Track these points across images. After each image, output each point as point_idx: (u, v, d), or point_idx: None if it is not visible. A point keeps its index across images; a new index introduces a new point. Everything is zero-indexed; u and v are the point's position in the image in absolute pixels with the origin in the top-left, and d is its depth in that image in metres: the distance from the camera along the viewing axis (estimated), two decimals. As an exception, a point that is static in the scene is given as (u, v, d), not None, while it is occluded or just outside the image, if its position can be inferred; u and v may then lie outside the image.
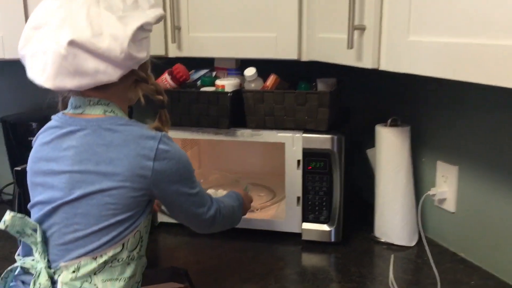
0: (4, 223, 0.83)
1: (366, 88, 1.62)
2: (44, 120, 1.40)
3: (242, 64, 1.45)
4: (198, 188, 0.95)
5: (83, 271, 0.82)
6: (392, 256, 1.26)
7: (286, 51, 1.31)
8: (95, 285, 0.82)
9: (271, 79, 1.38)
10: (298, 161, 1.33)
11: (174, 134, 1.41)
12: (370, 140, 1.38)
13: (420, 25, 0.87)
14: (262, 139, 1.36)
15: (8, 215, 0.83)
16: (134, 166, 0.82)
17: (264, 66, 1.40)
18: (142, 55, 0.84)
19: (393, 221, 1.34)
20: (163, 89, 0.93)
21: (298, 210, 1.36)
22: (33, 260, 0.86)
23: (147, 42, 0.86)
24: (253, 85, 1.37)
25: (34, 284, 0.82)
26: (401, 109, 1.44)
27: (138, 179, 0.83)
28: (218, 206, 1.01)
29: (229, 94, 1.33)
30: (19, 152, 1.44)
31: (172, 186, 0.88)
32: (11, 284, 0.88)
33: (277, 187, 1.57)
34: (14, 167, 1.45)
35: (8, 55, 1.31)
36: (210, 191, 1.55)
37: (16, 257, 0.92)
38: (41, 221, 0.86)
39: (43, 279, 0.82)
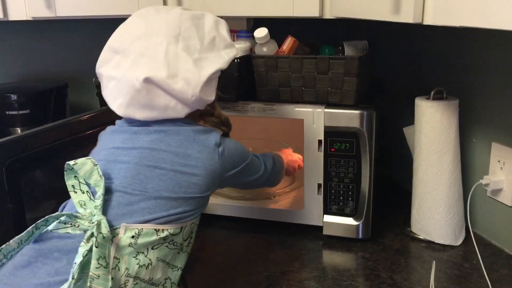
0: (76, 161, 0.78)
1: (404, 52, 1.37)
2: (25, 92, 1.25)
3: (255, 25, 1.24)
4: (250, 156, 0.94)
5: (142, 240, 0.74)
6: (434, 262, 1.04)
7: (306, 7, 1.09)
8: (149, 259, 0.75)
9: (288, 42, 1.15)
10: (319, 141, 1.11)
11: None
12: (408, 116, 1.15)
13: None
14: (276, 114, 1.14)
15: (82, 158, 0.79)
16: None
17: (282, 27, 1.18)
18: (211, 98, 0.86)
19: (435, 215, 1.11)
20: (227, 118, 0.98)
21: (319, 200, 1.15)
22: (83, 215, 0.74)
23: (216, 83, 0.87)
24: (265, 49, 1.15)
25: (97, 232, 0.71)
26: (448, 79, 1.20)
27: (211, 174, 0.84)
28: (269, 162, 1.02)
29: (236, 61, 1.11)
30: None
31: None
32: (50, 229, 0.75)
33: (298, 170, 1.36)
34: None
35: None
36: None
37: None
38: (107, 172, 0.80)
39: (105, 229, 0.72)
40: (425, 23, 0.77)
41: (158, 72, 0.79)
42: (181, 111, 0.83)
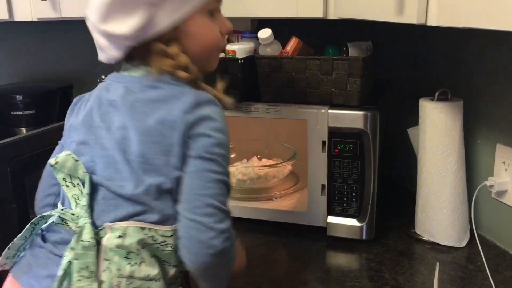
0: (56, 159, 0.74)
1: (408, 53, 1.37)
2: (30, 92, 1.26)
3: (260, 25, 1.23)
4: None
5: (129, 240, 0.70)
6: (438, 264, 1.03)
7: (310, 8, 1.08)
8: (142, 258, 0.71)
9: (292, 43, 1.15)
10: (323, 142, 1.11)
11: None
12: (413, 117, 1.14)
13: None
14: (280, 115, 1.14)
15: (63, 153, 0.75)
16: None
17: (286, 28, 1.18)
18: (124, 30, 0.72)
19: (439, 216, 1.10)
20: (188, 62, 0.77)
21: (322, 201, 1.15)
22: (73, 214, 0.73)
23: (146, 11, 0.72)
24: (269, 50, 1.15)
25: (77, 241, 0.69)
26: (452, 80, 1.19)
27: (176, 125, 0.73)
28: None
29: (240, 61, 1.11)
30: (3, 127, 1.27)
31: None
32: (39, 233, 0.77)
33: (301, 171, 1.36)
34: None
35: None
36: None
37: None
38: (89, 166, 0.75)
39: (87, 236, 0.70)
40: (428, 24, 0.77)
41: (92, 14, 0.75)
42: (114, 53, 0.76)
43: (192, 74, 0.77)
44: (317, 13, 1.08)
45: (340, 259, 1.10)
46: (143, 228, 0.71)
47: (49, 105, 1.29)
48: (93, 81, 1.48)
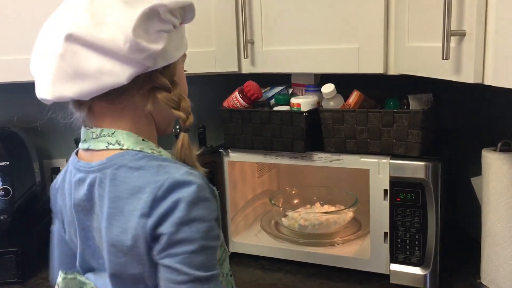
0: (58, 286, 0.77)
1: (469, 105, 1.39)
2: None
3: (323, 79, 1.30)
4: (209, 272, 0.68)
5: None
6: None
7: (371, 64, 1.14)
8: None
9: (354, 96, 1.21)
10: (385, 191, 1.15)
11: (245, 158, 1.30)
12: (477, 167, 1.15)
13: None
14: (343, 164, 1.19)
15: (60, 277, 0.77)
16: (133, 225, 0.67)
17: (348, 81, 1.24)
18: (156, 47, 0.66)
19: (505, 267, 1.09)
20: (189, 106, 0.73)
21: (385, 248, 1.17)
22: None
23: (166, 38, 0.68)
24: (332, 103, 1.21)
25: None
26: (515, 130, 1.19)
27: (132, 235, 0.68)
28: None
29: (304, 114, 1.18)
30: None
31: (155, 249, 0.68)
32: None
33: (363, 218, 1.39)
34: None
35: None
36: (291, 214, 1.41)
37: None
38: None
39: None
40: (485, 83, 0.80)
41: (81, 24, 0.65)
42: (121, 73, 0.65)
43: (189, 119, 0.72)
44: (378, 69, 1.13)
45: (404, 308, 1.11)
46: None
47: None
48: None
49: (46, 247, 0.88)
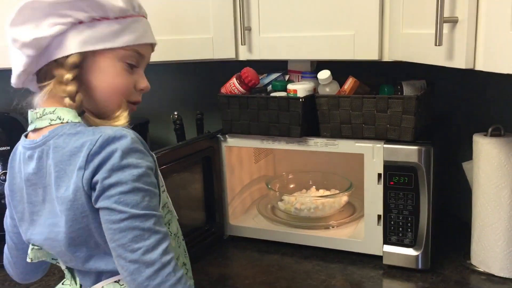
0: (28, 256, 0.83)
1: (462, 91, 1.42)
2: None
3: (319, 66, 1.33)
4: (143, 210, 0.73)
5: None
6: (492, 293, 1.06)
7: (366, 51, 1.16)
8: None
9: (349, 83, 1.24)
10: (379, 175, 1.18)
11: (242, 143, 1.33)
12: (468, 151, 1.19)
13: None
14: (338, 149, 1.22)
15: (29, 249, 0.83)
16: (68, 176, 0.74)
17: (343, 68, 1.27)
18: (26, 37, 0.75)
19: (494, 248, 1.13)
20: (73, 91, 0.78)
21: (378, 230, 1.21)
22: (69, 286, 0.85)
23: (57, 30, 0.76)
24: (328, 89, 1.24)
25: None
26: (505, 116, 1.24)
27: (73, 189, 0.74)
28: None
29: (301, 100, 1.21)
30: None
31: (94, 195, 0.74)
32: None
33: (357, 201, 1.42)
34: None
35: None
36: (287, 198, 1.44)
37: None
38: None
39: None
40: (476, 69, 0.83)
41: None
42: (20, 62, 0.79)
43: (76, 103, 0.78)
44: (373, 56, 1.16)
45: (397, 287, 1.15)
46: (118, 281, 0.79)
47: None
48: (166, 117, 1.63)
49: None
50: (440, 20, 0.84)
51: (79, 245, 0.76)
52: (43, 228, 0.79)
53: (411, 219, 1.16)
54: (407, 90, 1.23)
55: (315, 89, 1.28)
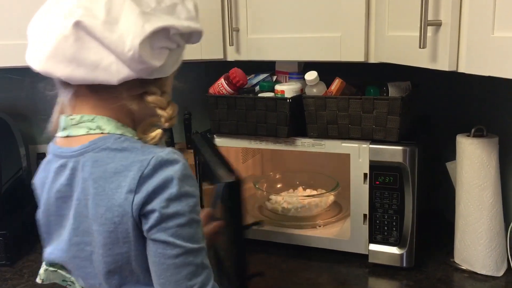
0: (40, 277, 0.78)
1: (446, 92, 1.45)
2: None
3: (306, 67, 1.34)
4: (197, 244, 0.70)
5: None
6: (474, 290, 1.09)
7: (352, 53, 1.18)
8: None
9: (336, 84, 1.25)
10: (365, 174, 1.20)
11: (230, 143, 1.34)
12: (452, 152, 1.21)
13: (508, 16, 0.71)
14: (325, 149, 1.24)
15: (41, 269, 0.78)
16: (114, 204, 0.68)
17: (330, 69, 1.28)
18: (156, 63, 0.69)
19: (477, 246, 1.16)
20: (175, 110, 0.76)
21: (364, 229, 1.23)
22: None
23: (168, 55, 0.72)
24: (315, 90, 1.25)
25: None
26: (488, 117, 1.27)
27: (118, 214, 0.68)
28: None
29: (288, 100, 1.22)
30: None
31: (145, 225, 0.68)
32: None
33: (343, 201, 1.44)
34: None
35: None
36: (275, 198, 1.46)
37: None
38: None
39: None
40: (459, 71, 0.85)
41: (94, 17, 0.66)
42: (115, 74, 0.67)
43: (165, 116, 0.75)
44: (359, 58, 1.18)
45: (381, 285, 1.17)
46: None
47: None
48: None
49: (32, 230, 0.89)
50: (424, 23, 0.86)
51: (113, 271, 0.71)
52: (70, 246, 0.74)
53: (396, 218, 1.18)
54: (393, 91, 1.25)
55: (302, 90, 1.30)
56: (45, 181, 0.76)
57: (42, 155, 1.68)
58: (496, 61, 0.74)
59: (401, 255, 1.19)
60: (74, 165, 0.71)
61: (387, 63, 1.12)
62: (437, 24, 0.87)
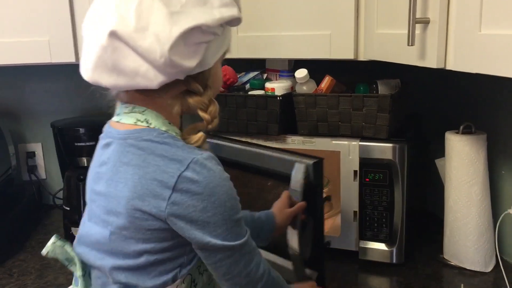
0: (46, 249, 0.79)
1: (435, 90, 1.46)
2: (92, 125, 1.41)
3: (297, 65, 1.34)
4: (242, 239, 0.74)
5: None
6: (462, 286, 1.10)
7: (342, 50, 1.18)
8: None
9: (326, 81, 1.26)
10: (355, 172, 1.20)
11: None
12: (441, 149, 1.22)
13: (494, 14, 0.72)
14: (315, 147, 1.24)
15: (50, 242, 0.79)
16: (145, 193, 0.70)
17: (320, 67, 1.29)
18: (190, 63, 0.69)
19: (465, 242, 1.17)
20: (217, 110, 0.76)
21: (354, 226, 1.23)
22: None
23: (206, 48, 0.70)
24: (305, 87, 1.26)
25: None
26: (476, 114, 1.28)
27: (149, 209, 0.70)
28: (266, 269, 0.80)
29: (278, 98, 1.23)
30: (68, 158, 1.42)
31: (193, 231, 0.70)
32: None
33: (334, 198, 1.44)
34: (65, 172, 1.45)
35: (54, 59, 1.29)
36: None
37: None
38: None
39: None
40: (447, 68, 0.86)
41: (125, 25, 0.66)
42: (153, 79, 0.69)
43: (209, 118, 0.76)
44: (349, 55, 1.18)
45: (372, 281, 1.17)
46: None
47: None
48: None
49: (21, 230, 0.89)
50: (413, 20, 0.86)
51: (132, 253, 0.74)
52: (96, 223, 0.77)
53: (386, 215, 1.19)
54: (382, 89, 1.25)
55: (292, 88, 1.30)
56: (95, 154, 0.80)
57: (31, 154, 1.67)
58: (483, 58, 0.75)
59: (391, 251, 1.20)
60: (116, 147, 0.74)
61: (377, 60, 1.12)
62: (425, 22, 0.87)
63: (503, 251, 1.20)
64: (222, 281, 0.75)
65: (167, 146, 0.71)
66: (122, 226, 0.72)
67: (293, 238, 0.99)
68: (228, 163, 0.82)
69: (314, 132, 1.23)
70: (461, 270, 1.18)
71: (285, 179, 1.01)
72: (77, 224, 1.35)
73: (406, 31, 0.88)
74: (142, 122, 0.74)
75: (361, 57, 1.18)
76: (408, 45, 0.88)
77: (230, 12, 0.71)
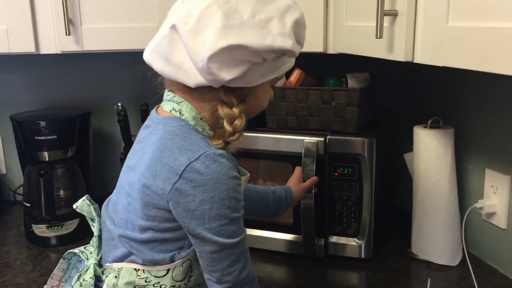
0: (76, 204, 0.88)
1: (404, 84, 1.46)
2: (53, 119, 1.36)
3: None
4: (235, 239, 0.76)
5: (122, 281, 0.79)
6: (429, 280, 1.10)
7: (311, 43, 1.15)
8: None
9: (295, 75, 1.24)
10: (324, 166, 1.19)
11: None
12: (409, 143, 1.22)
13: (462, 5, 0.71)
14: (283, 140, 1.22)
15: (82, 198, 0.89)
16: (157, 174, 0.75)
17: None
18: (225, 76, 0.72)
19: (433, 237, 1.17)
20: (242, 125, 0.78)
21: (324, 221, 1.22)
22: (91, 253, 0.87)
23: (251, 68, 0.73)
24: (274, 81, 1.23)
25: (78, 278, 0.82)
26: (444, 108, 1.28)
27: (157, 189, 0.75)
28: (252, 276, 0.81)
29: (247, 91, 1.20)
30: (29, 152, 1.37)
31: (188, 219, 0.74)
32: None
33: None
34: (25, 167, 1.39)
35: (13, 49, 1.23)
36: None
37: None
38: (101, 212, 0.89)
39: (88, 275, 0.82)
40: (415, 61, 0.85)
41: (186, 23, 0.72)
42: (191, 78, 0.74)
43: (232, 128, 0.78)
44: (318, 48, 1.17)
45: (340, 276, 1.17)
46: (137, 270, 0.79)
47: (70, 130, 1.38)
48: (109, 108, 1.59)
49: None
50: (381, 13, 0.85)
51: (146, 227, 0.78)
52: (120, 195, 0.82)
53: (355, 209, 1.18)
54: (352, 82, 1.24)
55: (261, 81, 1.27)
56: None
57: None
58: (450, 51, 0.74)
59: (360, 246, 1.19)
60: (151, 129, 0.81)
61: (347, 54, 1.11)
62: (394, 14, 0.86)
63: (469, 245, 1.21)
64: (205, 270, 0.78)
65: (188, 137, 0.76)
66: (136, 200, 0.77)
67: (307, 210, 1.14)
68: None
69: (283, 125, 1.22)
70: (429, 264, 1.18)
71: (294, 158, 1.16)
72: (37, 221, 1.33)
73: (374, 24, 0.86)
74: (176, 111, 0.79)
75: (330, 50, 1.17)
76: (376, 37, 0.87)
77: (282, 42, 0.73)
